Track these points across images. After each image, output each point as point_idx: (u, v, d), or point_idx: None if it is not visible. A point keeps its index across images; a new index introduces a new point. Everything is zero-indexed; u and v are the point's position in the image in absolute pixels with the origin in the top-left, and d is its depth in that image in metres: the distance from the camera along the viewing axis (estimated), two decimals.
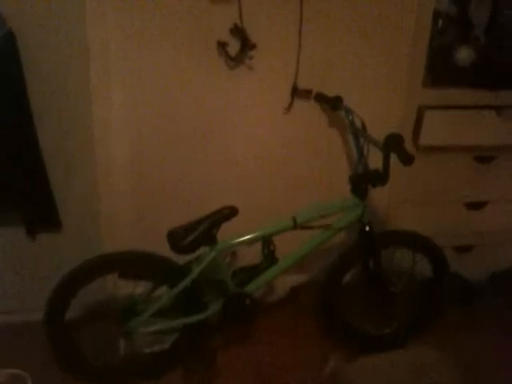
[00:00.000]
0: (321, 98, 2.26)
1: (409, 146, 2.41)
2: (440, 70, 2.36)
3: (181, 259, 2.02)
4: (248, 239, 2.04)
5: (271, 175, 2.41)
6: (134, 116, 2.18)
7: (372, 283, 2.24)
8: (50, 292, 1.96)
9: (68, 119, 2.13)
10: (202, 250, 1.99)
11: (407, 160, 1.75)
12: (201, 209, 1.99)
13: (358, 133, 2.13)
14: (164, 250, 1.93)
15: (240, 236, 2.04)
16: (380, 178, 1.96)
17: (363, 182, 2.07)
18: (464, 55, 2.36)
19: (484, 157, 2.52)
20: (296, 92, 2.25)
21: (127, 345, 2.18)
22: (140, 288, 2.13)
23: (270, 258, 2.15)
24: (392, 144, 1.82)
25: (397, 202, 2.57)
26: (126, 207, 2.35)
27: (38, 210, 2.19)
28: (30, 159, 2.09)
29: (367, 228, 2.12)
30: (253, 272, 2.15)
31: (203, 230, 1.94)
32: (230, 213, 1.98)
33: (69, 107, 2.11)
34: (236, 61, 2.15)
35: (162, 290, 2.11)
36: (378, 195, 2.48)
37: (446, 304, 2.53)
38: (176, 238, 1.93)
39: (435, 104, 2.37)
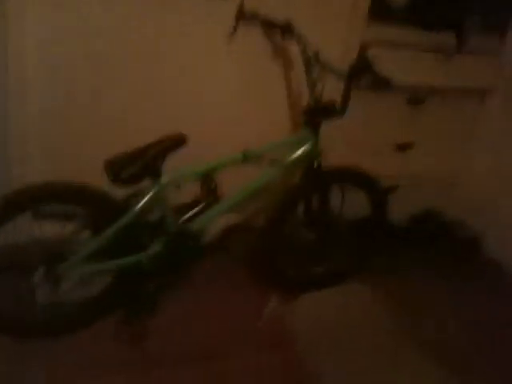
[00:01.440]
0: (269, 24, 2.08)
1: None
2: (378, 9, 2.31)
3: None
4: (195, 172, 1.87)
5: (219, 108, 2.22)
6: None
7: (314, 223, 2.18)
8: None
9: None
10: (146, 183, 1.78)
11: (384, 83, 1.67)
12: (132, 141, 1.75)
13: (311, 62, 2.00)
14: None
15: (186, 169, 1.85)
16: (335, 110, 1.88)
17: (317, 115, 1.97)
18: None
19: (416, 99, 2.54)
20: (241, 16, 2.05)
21: (50, 293, 1.90)
22: (67, 228, 1.85)
23: (212, 195, 1.99)
24: (363, 68, 1.72)
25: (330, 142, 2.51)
26: (40, 133, 2.03)
27: None
28: None
29: (315, 164, 2.03)
30: (195, 210, 1.98)
31: (148, 160, 1.72)
32: (178, 140, 1.77)
33: None
34: None
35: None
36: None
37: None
38: (116, 168, 1.69)
39: (376, 41, 2.32)
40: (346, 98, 1.80)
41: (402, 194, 2.77)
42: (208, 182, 1.98)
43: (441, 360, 2.05)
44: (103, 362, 1.84)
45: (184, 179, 1.86)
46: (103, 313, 1.99)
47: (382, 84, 1.68)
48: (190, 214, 1.97)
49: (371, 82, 1.70)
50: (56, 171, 1.83)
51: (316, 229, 2.20)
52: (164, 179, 1.79)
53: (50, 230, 1.86)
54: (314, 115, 1.98)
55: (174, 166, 1.80)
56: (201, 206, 1.98)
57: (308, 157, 2.02)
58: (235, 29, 2.07)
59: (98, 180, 1.70)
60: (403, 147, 2.66)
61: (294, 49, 2.13)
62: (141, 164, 1.71)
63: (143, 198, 1.78)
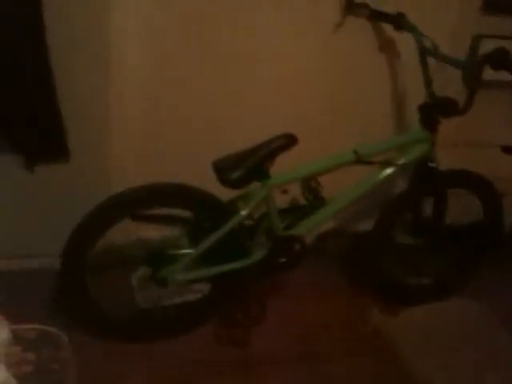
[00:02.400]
0: (378, 15, 1.94)
1: None
2: None
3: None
4: (304, 173, 1.77)
5: (322, 104, 2.08)
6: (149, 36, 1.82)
7: (423, 230, 2.01)
8: (64, 243, 1.62)
9: (82, 30, 1.73)
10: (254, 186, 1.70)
11: None
12: (237, 141, 1.66)
13: (428, 55, 1.84)
14: None
15: (294, 171, 1.75)
16: (455, 107, 1.71)
17: (434, 112, 1.81)
18: None
19: None
20: (350, 7, 1.92)
21: (150, 296, 1.86)
22: (169, 230, 1.81)
23: (317, 198, 1.87)
24: (497, 60, 1.55)
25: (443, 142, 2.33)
26: (138, 139, 1.99)
27: (45, 135, 1.80)
28: (39, 75, 1.70)
29: (432, 165, 1.87)
30: (300, 213, 1.87)
31: (257, 162, 1.63)
32: (289, 141, 1.67)
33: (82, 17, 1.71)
34: None
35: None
36: None
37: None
38: (224, 170, 1.60)
39: (492, 33, 2.11)
40: (472, 94, 1.63)
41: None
42: (312, 184, 1.87)
43: None
44: (205, 364, 1.81)
45: (293, 181, 1.76)
46: (205, 316, 1.94)
47: None
48: (296, 218, 1.86)
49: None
50: (162, 172, 1.78)
51: (425, 236, 2.04)
52: (273, 181, 1.70)
53: (153, 232, 1.83)
54: (432, 112, 1.81)
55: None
56: (306, 210, 1.87)
57: (422, 157, 1.86)
58: (342, 20, 1.95)
59: (205, 183, 1.64)
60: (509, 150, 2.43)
61: (402, 42, 2.00)
62: (250, 166, 1.62)
63: (251, 200, 1.69)
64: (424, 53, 1.84)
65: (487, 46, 2.08)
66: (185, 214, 1.75)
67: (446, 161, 2.05)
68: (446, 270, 2.25)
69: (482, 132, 2.37)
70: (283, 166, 1.70)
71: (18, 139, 1.81)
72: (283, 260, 1.86)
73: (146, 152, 2.00)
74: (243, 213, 1.69)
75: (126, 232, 1.88)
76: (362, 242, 2.15)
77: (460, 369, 1.87)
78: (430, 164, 1.87)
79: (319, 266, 2.32)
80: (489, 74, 2.09)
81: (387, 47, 2.06)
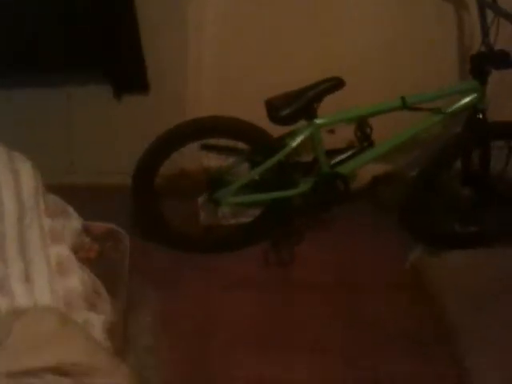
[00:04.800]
0: None
1: None
2: None
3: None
4: (350, 116, 1.90)
5: (381, 51, 2.17)
6: None
7: (472, 179, 2.08)
8: (141, 154, 1.91)
9: None
10: (299, 124, 1.87)
11: None
12: (292, 81, 1.83)
13: (486, 5, 1.86)
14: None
15: (341, 113, 1.89)
16: (508, 59, 1.74)
17: (486, 62, 1.85)
18: None
19: None
20: None
21: (211, 215, 2.14)
22: (229, 159, 2.05)
23: (366, 140, 2.01)
24: None
25: (505, 95, 2.32)
26: (213, 76, 2.21)
27: (127, 69, 2.09)
28: (123, 14, 1.95)
29: (480, 115, 1.92)
30: (348, 153, 2.03)
31: (305, 101, 1.80)
32: (335, 84, 1.82)
33: None
34: None
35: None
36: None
37: None
38: (275, 108, 1.80)
39: None
40: None
41: None
42: (363, 127, 2.00)
43: None
44: (248, 280, 2.06)
45: (338, 122, 1.91)
46: (255, 238, 2.18)
47: None
48: (342, 156, 2.02)
49: None
50: (224, 108, 2.01)
51: (473, 186, 2.10)
52: (319, 121, 1.86)
53: (214, 160, 2.08)
54: (484, 63, 1.85)
55: (329, 109, 1.86)
56: (354, 150, 2.02)
57: (472, 107, 1.92)
58: None
59: (260, 119, 1.84)
60: None
61: None
62: (298, 105, 1.79)
63: (297, 137, 1.88)
64: (482, 3, 1.87)
65: None
66: (242, 146, 1.99)
67: None
68: (493, 219, 2.29)
69: None
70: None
71: (107, 72, 2.11)
72: (327, 195, 2.04)
73: (217, 88, 2.23)
74: (289, 147, 1.88)
75: (194, 161, 2.15)
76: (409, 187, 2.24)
77: (491, 320, 1.91)
78: (477, 115, 1.92)
79: (373, 208, 2.46)
80: None
81: None
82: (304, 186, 2.01)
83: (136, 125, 2.22)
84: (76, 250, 1.44)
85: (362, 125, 1.99)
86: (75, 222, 1.48)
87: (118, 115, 2.23)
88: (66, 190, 1.53)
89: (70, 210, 1.52)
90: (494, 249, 2.25)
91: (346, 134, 2.01)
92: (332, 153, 2.04)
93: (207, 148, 1.97)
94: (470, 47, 2.06)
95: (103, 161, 2.34)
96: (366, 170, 2.44)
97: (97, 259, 1.51)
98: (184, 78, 2.18)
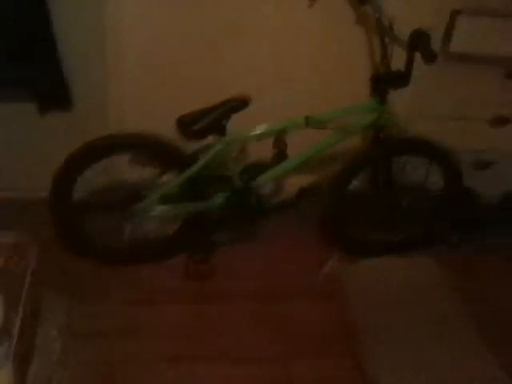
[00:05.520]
0: None
1: (438, 52, 2.27)
2: None
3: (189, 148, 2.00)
4: (257, 134, 2.00)
5: (289, 72, 2.29)
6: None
7: (379, 192, 2.21)
8: (57, 168, 1.96)
9: None
10: (212, 140, 1.96)
11: (430, 58, 1.65)
12: (211, 101, 1.93)
13: (384, 31, 1.99)
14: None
15: (248, 130, 2.00)
16: (402, 78, 1.87)
17: (384, 82, 1.98)
18: None
19: None
20: None
21: (132, 229, 2.20)
22: (146, 174, 2.12)
23: (280, 155, 2.11)
24: (416, 41, 1.72)
25: (419, 112, 2.46)
26: (135, 92, 2.28)
27: (48, 85, 2.14)
28: (41, 31, 2.01)
29: (381, 134, 2.05)
30: (261, 168, 2.13)
31: (213, 118, 1.90)
32: (240, 103, 1.92)
33: None
34: None
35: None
36: (400, 102, 2.37)
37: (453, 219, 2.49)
38: (185, 124, 1.89)
39: (470, 9, 2.20)
40: (408, 67, 1.80)
41: (495, 170, 2.64)
42: (278, 143, 2.10)
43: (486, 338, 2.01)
44: (168, 292, 2.13)
45: (247, 139, 2.00)
46: (175, 250, 2.26)
47: (428, 57, 1.66)
48: (255, 171, 2.12)
49: (421, 54, 1.69)
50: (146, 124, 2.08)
51: (382, 196, 2.23)
52: (228, 138, 1.96)
53: (131, 174, 2.15)
54: (382, 83, 1.98)
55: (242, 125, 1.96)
56: (266, 166, 2.12)
57: (374, 125, 2.04)
58: None
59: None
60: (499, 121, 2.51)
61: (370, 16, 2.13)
62: (207, 121, 1.89)
63: (208, 152, 1.97)
64: (382, 29, 2.00)
65: (463, 23, 2.21)
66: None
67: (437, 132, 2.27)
68: (411, 228, 2.44)
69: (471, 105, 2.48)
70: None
71: (30, 89, 2.17)
72: (240, 209, 2.13)
73: (139, 104, 2.30)
74: (200, 162, 1.97)
75: (109, 175, 2.22)
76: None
77: (401, 329, 2.05)
78: (379, 133, 2.04)
79: (293, 220, 2.56)
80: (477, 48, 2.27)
81: (358, 21, 2.21)
82: (217, 199, 2.10)
83: (59, 140, 2.27)
84: None
85: (277, 140, 2.09)
86: None
87: (41, 130, 2.28)
88: None
89: None
90: (406, 257, 2.39)
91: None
92: (248, 167, 2.14)
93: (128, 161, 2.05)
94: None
95: (27, 175, 2.37)
96: (293, 181, 2.58)
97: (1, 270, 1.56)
98: (106, 94, 2.24)
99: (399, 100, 2.26)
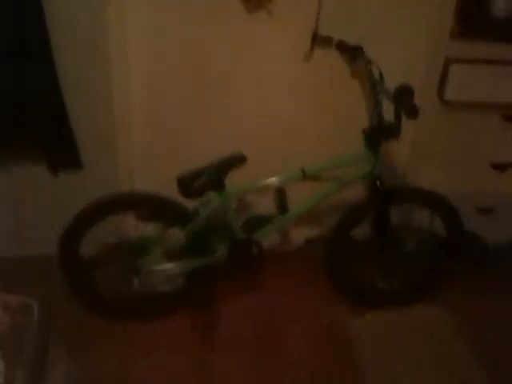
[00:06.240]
0: (341, 47, 2.19)
1: (433, 100, 2.34)
2: (472, 20, 2.22)
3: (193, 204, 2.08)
4: (254, 187, 2.07)
5: (285, 125, 2.38)
6: (150, 58, 2.21)
7: (381, 240, 2.22)
8: (66, 225, 2.05)
9: (86, 57, 2.13)
10: (211, 195, 2.03)
11: (410, 112, 1.71)
12: (212, 156, 2.02)
13: (376, 84, 2.06)
14: (175, 193, 1.99)
15: (246, 184, 2.06)
16: (393, 130, 1.92)
17: (376, 134, 2.04)
18: (501, 5, 2.22)
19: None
20: (316, 39, 2.19)
21: (140, 283, 2.26)
22: (150, 229, 2.20)
23: (280, 207, 2.17)
24: (400, 95, 1.77)
25: (418, 159, 2.50)
26: (142, 151, 2.41)
27: (59, 148, 2.26)
28: (50, 97, 2.14)
29: (378, 183, 2.09)
30: (262, 220, 2.18)
31: (211, 176, 1.97)
32: (238, 160, 2.00)
33: (86, 44, 2.11)
34: (255, 4, 2.10)
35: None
36: (399, 151, 2.43)
37: (459, 265, 2.47)
38: (184, 183, 1.96)
39: (463, 57, 2.26)
40: (397, 120, 1.85)
41: (499, 215, 2.63)
42: (279, 196, 2.16)
43: None
44: (172, 344, 2.16)
45: (245, 193, 2.07)
46: (181, 304, 2.30)
47: (409, 113, 1.71)
48: (256, 223, 2.17)
49: (402, 108, 1.74)
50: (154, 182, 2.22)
51: (384, 247, 2.24)
52: (227, 192, 2.02)
53: (136, 230, 2.24)
54: (375, 135, 2.03)
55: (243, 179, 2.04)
56: (267, 218, 2.18)
57: (370, 175, 2.09)
58: (310, 52, 2.21)
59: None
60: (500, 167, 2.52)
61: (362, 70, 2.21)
62: (205, 179, 1.96)
63: (208, 207, 2.04)
64: (374, 83, 2.07)
65: (457, 71, 2.27)
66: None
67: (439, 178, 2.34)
68: (411, 277, 2.43)
69: (471, 150, 2.51)
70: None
71: (42, 151, 2.30)
72: (240, 260, 2.18)
73: (146, 164, 2.42)
74: (201, 217, 2.04)
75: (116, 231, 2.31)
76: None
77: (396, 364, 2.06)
78: (375, 182, 2.08)
79: (301, 268, 2.60)
80: (472, 95, 2.32)
81: (352, 75, 2.29)
82: (220, 252, 2.15)
83: (70, 198, 2.37)
84: None
85: (278, 193, 2.16)
86: None
87: (51, 189, 2.40)
88: None
89: None
90: (414, 307, 2.39)
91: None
92: (250, 220, 2.21)
93: (139, 216, 2.13)
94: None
95: (37, 233, 2.48)
96: (299, 233, 2.64)
97: (5, 331, 1.63)
98: (116, 155, 2.36)
99: (400, 147, 2.34)
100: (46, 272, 2.30)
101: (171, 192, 2.00)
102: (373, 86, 2.08)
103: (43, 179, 2.36)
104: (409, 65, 2.29)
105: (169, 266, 2.15)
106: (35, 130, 2.20)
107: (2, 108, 2.13)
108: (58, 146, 2.27)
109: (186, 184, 1.96)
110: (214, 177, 1.97)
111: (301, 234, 2.66)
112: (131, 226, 2.27)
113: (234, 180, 2.04)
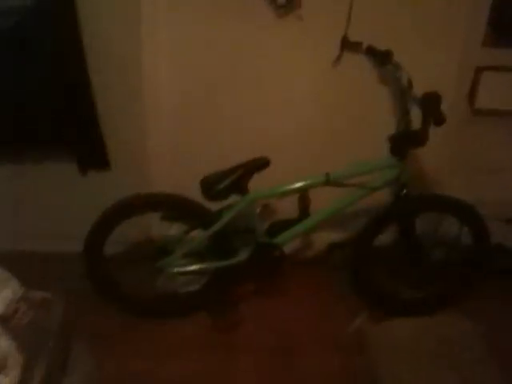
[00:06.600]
0: (371, 51, 2.16)
1: (464, 108, 2.31)
2: (504, 28, 2.18)
3: (217, 206, 2.10)
4: (278, 192, 2.06)
5: (311, 129, 2.38)
6: (179, 65, 2.24)
7: (405, 248, 2.19)
8: (92, 223, 2.09)
9: (119, 63, 2.20)
10: (235, 198, 2.04)
11: (437, 121, 1.68)
12: (236, 159, 2.03)
13: (404, 91, 2.03)
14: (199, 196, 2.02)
15: (269, 188, 2.06)
16: (418, 138, 1.89)
17: (402, 142, 2.01)
18: None
19: None
20: (345, 44, 2.17)
21: (162, 283, 2.28)
22: (174, 230, 2.22)
23: (303, 212, 2.16)
24: (427, 103, 1.74)
25: (446, 167, 2.46)
26: (168, 154, 2.44)
27: (88, 148, 2.32)
28: (82, 99, 2.20)
29: (404, 190, 2.06)
30: (284, 224, 2.17)
31: (234, 179, 1.98)
32: (261, 164, 2.00)
33: (119, 50, 2.17)
34: (285, 9, 2.10)
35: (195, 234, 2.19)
36: (427, 158, 2.39)
37: (485, 275, 2.41)
38: (208, 185, 1.98)
39: (495, 65, 2.22)
40: (424, 127, 1.82)
41: None
42: (302, 200, 2.15)
43: None
44: (192, 344, 2.17)
45: (268, 197, 2.07)
46: (202, 305, 2.31)
47: (436, 121, 1.68)
48: (279, 227, 2.17)
49: (431, 116, 1.71)
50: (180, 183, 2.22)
51: (408, 255, 2.21)
52: (250, 196, 2.03)
53: (160, 231, 2.26)
54: (400, 141, 2.01)
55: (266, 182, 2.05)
56: (290, 222, 2.17)
57: (396, 182, 2.06)
58: (339, 57, 2.20)
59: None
60: None
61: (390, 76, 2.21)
62: (228, 182, 1.97)
63: (231, 210, 2.05)
64: (402, 89, 2.04)
65: (488, 79, 2.22)
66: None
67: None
68: (439, 284, 2.39)
69: (500, 159, 2.46)
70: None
71: (72, 151, 2.36)
72: (262, 264, 2.18)
73: (174, 165, 2.45)
74: (224, 219, 2.04)
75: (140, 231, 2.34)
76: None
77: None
78: (401, 190, 2.06)
79: (323, 274, 2.59)
80: (503, 104, 2.27)
81: (381, 80, 2.27)
82: (242, 255, 2.16)
83: (97, 198, 2.41)
84: (8, 316, 1.61)
85: (302, 197, 2.15)
86: (8, 292, 1.65)
87: (79, 188, 2.45)
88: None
89: (10, 279, 1.70)
90: (440, 316, 2.33)
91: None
92: (273, 224, 2.20)
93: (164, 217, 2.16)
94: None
95: (65, 231, 2.52)
96: (322, 238, 2.62)
97: (28, 325, 1.67)
98: (144, 155, 2.40)
99: (428, 154, 2.30)
100: (71, 270, 2.34)
101: (195, 194, 2.03)
102: (401, 93, 2.06)
103: (73, 178, 2.42)
104: (439, 71, 2.25)
105: (191, 267, 2.16)
106: (72, 131, 2.28)
107: (43, 110, 2.24)
108: (86, 146, 2.32)
109: (210, 187, 1.98)
110: (237, 180, 1.98)
111: (323, 239, 2.63)
112: (155, 227, 2.28)
113: (258, 184, 2.05)
